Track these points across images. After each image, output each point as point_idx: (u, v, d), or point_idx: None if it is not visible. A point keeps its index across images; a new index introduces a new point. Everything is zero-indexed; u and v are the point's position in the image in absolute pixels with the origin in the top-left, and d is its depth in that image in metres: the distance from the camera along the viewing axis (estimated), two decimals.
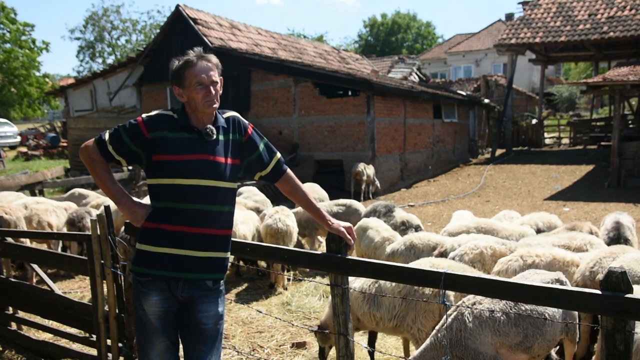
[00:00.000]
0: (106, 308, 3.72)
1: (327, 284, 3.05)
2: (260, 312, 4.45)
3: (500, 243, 4.80)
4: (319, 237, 7.83)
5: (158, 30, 21.01)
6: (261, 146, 2.66)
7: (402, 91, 16.08)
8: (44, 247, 7.01)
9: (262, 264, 7.49)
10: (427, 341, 3.32)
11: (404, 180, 16.66)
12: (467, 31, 59.23)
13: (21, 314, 4.88)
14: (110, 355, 3.78)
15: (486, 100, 24.14)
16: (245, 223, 6.83)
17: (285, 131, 16.05)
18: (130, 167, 13.05)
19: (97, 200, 9.08)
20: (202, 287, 2.52)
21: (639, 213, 10.39)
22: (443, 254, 4.95)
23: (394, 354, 4.50)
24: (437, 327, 3.31)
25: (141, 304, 2.50)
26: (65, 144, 25.42)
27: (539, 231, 6.05)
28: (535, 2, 21.65)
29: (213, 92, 2.47)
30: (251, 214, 7.29)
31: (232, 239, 2.70)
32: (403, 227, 6.72)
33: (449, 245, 5.08)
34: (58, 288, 4.65)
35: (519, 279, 3.57)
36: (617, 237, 5.37)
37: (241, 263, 7.07)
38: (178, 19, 17.20)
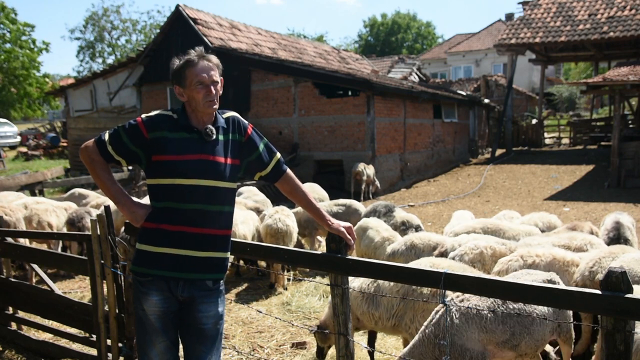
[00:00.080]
0: (106, 308, 3.72)
1: (327, 284, 3.05)
2: (260, 312, 4.45)
3: (500, 243, 4.80)
4: (318, 237, 7.83)
5: (158, 30, 21.02)
6: (261, 146, 2.66)
7: (402, 91, 16.08)
8: (44, 247, 7.01)
9: (262, 264, 7.50)
10: (416, 337, 3.34)
11: (404, 180, 16.66)
12: (467, 31, 59.31)
13: (21, 314, 4.88)
14: (110, 355, 3.78)
15: (486, 100, 24.14)
16: (245, 223, 6.82)
17: (285, 131, 16.05)
18: (130, 167, 13.05)
19: (97, 200, 9.08)
20: (202, 287, 2.52)
21: (639, 213, 10.39)
22: (443, 254, 4.95)
23: (394, 354, 4.49)
24: (425, 324, 3.34)
25: (141, 304, 2.51)
26: (65, 144, 25.43)
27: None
28: (535, 2, 21.65)
29: (213, 92, 2.47)
30: (251, 214, 7.29)
31: (232, 239, 2.70)
32: (403, 227, 6.72)
33: (449, 245, 5.08)
34: (58, 288, 4.66)
35: (510, 279, 3.56)
36: (617, 237, 5.37)
37: (241, 263, 7.07)
38: (178, 19, 17.21)
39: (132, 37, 49.63)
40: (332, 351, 4.36)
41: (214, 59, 2.53)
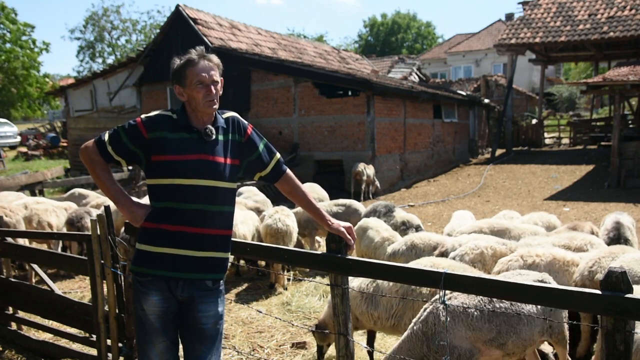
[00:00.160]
0: (106, 308, 3.72)
1: (327, 284, 3.05)
2: (260, 312, 4.44)
3: (500, 243, 4.80)
4: (317, 238, 7.83)
5: (158, 30, 21.01)
6: (261, 146, 2.66)
7: (402, 91, 16.08)
8: (44, 247, 7.01)
9: (262, 263, 7.49)
10: (405, 334, 3.36)
11: (404, 180, 16.66)
12: (467, 31, 59.30)
13: (21, 314, 4.88)
14: (110, 355, 3.78)
15: (486, 100, 24.14)
16: (245, 223, 6.83)
17: (285, 131, 16.05)
18: (130, 167, 13.05)
19: (97, 200, 9.08)
20: (202, 287, 2.52)
21: (639, 213, 10.39)
22: (444, 254, 4.95)
23: None
24: (414, 320, 3.37)
25: (141, 304, 2.51)
26: (65, 144, 25.43)
27: None
28: (535, 2, 21.65)
29: (214, 91, 2.47)
30: (251, 214, 7.29)
31: (232, 239, 2.70)
32: (403, 227, 6.72)
33: (449, 245, 5.08)
34: (58, 288, 4.66)
35: (503, 279, 3.56)
36: (617, 237, 5.37)
37: (241, 262, 7.07)
38: (178, 19, 17.21)
39: (132, 37, 49.70)
40: (332, 351, 4.36)
41: (214, 58, 2.54)
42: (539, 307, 3.29)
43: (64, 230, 7.23)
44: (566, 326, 3.54)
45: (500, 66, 38.03)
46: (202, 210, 2.46)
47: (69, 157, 21.95)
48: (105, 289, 3.71)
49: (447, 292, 3.23)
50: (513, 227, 5.78)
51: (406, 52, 53.96)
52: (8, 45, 34.66)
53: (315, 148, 15.60)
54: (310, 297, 6.13)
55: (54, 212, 7.46)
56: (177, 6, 17.16)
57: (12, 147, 29.02)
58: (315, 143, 15.61)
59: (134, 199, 2.62)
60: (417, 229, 6.70)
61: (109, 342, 3.76)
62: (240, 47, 17.31)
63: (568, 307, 2.51)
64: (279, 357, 4.60)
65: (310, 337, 4.82)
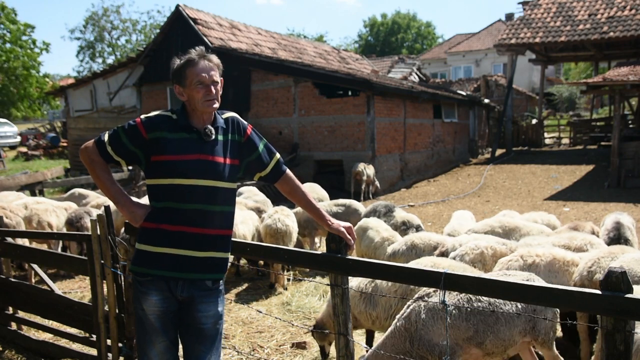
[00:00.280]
0: (106, 308, 3.72)
1: (327, 284, 3.05)
2: (260, 312, 4.45)
3: (500, 243, 4.80)
4: (315, 238, 7.83)
5: (158, 30, 21.01)
6: (261, 147, 2.67)
7: (402, 91, 16.08)
8: (44, 247, 7.01)
9: (262, 263, 7.49)
10: (389, 330, 3.40)
11: (404, 180, 16.66)
12: (467, 31, 59.31)
13: (21, 314, 4.88)
14: (110, 355, 3.78)
15: (486, 100, 24.14)
16: (244, 223, 6.83)
17: (285, 131, 16.05)
18: (130, 167, 13.06)
19: (98, 200, 9.08)
20: (202, 287, 2.52)
21: (639, 213, 10.39)
22: (444, 254, 4.95)
23: None
24: (397, 316, 3.41)
25: (141, 304, 2.51)
26: (65, 144, 25.43)
27: None
28: (535, 2, 21.65)
29: (213, 91, 2.48)
30: (251, 214, 7.29)
31: (232, 239, 2.71)
32: (404, 227, 6.72)
33: (449, 245, 5.09)
34: (58, 288, 4.66)
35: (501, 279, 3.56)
36: (617, 237, 5.37)
37: (242, 262, 7.07)
38: (178, 19, 17.21)
39: (132, 37, 49.72)
40: (332, 351, 4.36)
41: (214, 58, 2.54)
42: (519, 307, 3.27)
43: (64, 230, 7.23)
44: (554, 329, 3.47)
45: (500, 66, 38.03)
46: (202, 210, 2.46)
47: (69, 157, 21.96)
48: (105, 289, 3.71)
49: (429, 290, 3.30)
50: (523, 226, 5.82)
51: (406, 52, 53.97)
52: (8, 45, 34.67)
53: (315, 148, 15.60)
54: (310, 297, 6.13)
55: (54, 212, 7.46)
56: (177, 6, 17.16)
57: (12, 147, 29.02)
58: (315, 143, 15.61)
59: (134, 199, 2.62)
60: (418, 229, 6.70)
61: (109, 342, 3.76)
62: (240, 47, 17.31)
63: (568, 307, 2.52)
64: (279, 357, 4.60)
65: (311, 337, 4.82)
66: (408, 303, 3.40)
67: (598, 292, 2.07)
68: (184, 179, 2.44)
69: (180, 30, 17.04)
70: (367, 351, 4.24)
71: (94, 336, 3.90)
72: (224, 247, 2.58)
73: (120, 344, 3.69)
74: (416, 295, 3.44)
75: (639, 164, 14.12)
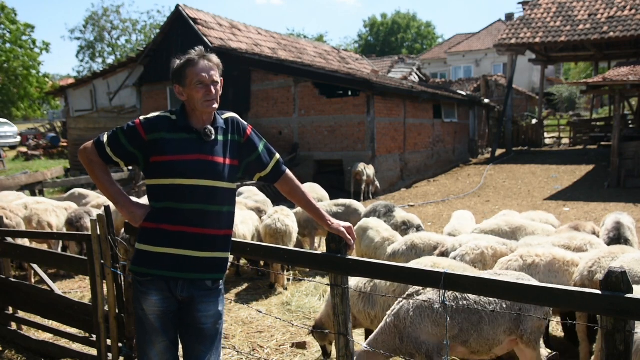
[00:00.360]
0: (106, 308, 3.72)
1: (327, 284, 3.05)
2: (260, 312, 4.45)
3: (501, 243, 4.80)
4: (315, 238, 7.82)
5: (158, 30, 21.02)
6: (260, 147, 2.67)
7: (402, 91, 16.08)
8: (44, 247, 7.01)
9: (262, 263, 7.49)
10: (379, 326, 3.44)
11: (404, 180, 16.65)
12: (467, 31, 59.30)
13: (21, 314, 4.88)
14: (110, 355, 3.78)
15: (486, 100, 24.14)
16: (244, 223, 6.82)
17: (285, 131, 16.04)
18: (130, 168, 13.05)
19: (98, 200, 9.09)
20: (202, 287, 2.52)
21: (639, 213, 10.39)
22: (444, 254, 4.95)
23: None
24: (388, 313, 3.46)
25: (141, 304, 2.51)
26: (65, 144, 25.43)
27: None
28: (535, 2, 21.65)
29: (213, 91, 2.48)
30: (251, 214, 7.29)
31: (232, 239, 2.71)
32: (404, 227, 6.72)
33: (450, 245, 5.09)
34: (58, 288, 4.66)
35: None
36: (617, 237, 5.37)
37: (242, 262, 7.07)
38: (178, 19, 17.21)
39: (132, 37, 49.73)
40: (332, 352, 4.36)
41: (214, 58, 2.54)
42: (504, 306, 3.27)
43: (64, 230, 7.23)
44: (541, 330, 3.44)
45: (500, 66, 38.03)
46: (201, 210, 2.46)
47: (69, 157, 21.96)
48: (105, 289, 3.71)
49: (419, 288, 3.35)
50: (528, 225, 5.84)
51: (406, 52, 53.97)
52: (8, 45, 34.66)
53: (315, 148, 15.60)
54: (310, 297, 6.13)
55: (54, 212, 7.46)
56: (177, 6, 17.16)
57: (12, 147, 29.02)
58: (315, 143, 15.61)
59: (134, 199, 2.63)
60: (418, 229, 6.70)
61: (109, 342, 3.76)
62: (240, 47, 17.31)
63: (568, 307, 2.52)
64: (279, 357, 4.60)
65: (311, 337, 4.82)
66: (399, 299, 3.44)
67: (598, 292, 2.07)
68: (183, 179, 2.44)
69: (180, 30, 17.05)
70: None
71: (94, 336, 3.90)
72: (224, 247, 2.58)
73: (120, 344, 3.69)
74: (407, 293, 3.48)
75: (639, 164, 14.12)
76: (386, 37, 59.43)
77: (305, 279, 6.43)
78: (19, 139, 30.00)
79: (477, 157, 22.26)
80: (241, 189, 9.81)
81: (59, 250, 7.25)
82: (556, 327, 5.08)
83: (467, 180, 16.84)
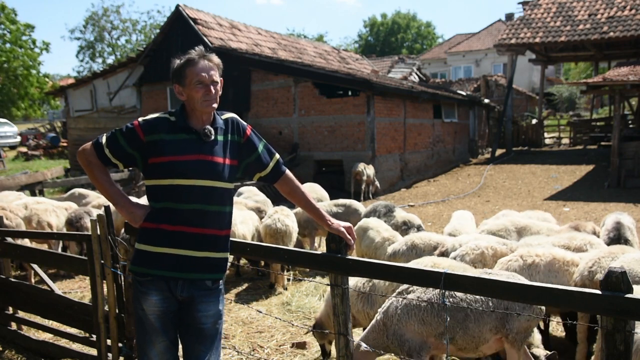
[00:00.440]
0: (106, 308, 3.72)
1: (327, 284, 3.05)
2: (260, 312, 4.45)
3: (501, 243, 4.80)
4: (315, 238, 7.82)
5: (158, 30, 21.01)
6: (260, 147, 2.67)
7: (402, 91, 16.08)
8: (44, 247, 7.01)
9: (262, 263, 7.49)
10: (371, 323, 3.50)
11: (404, 180, 16.65)
12: (467, 31, 59.30)
13: (21, 314, 4.88)
14: (110, 355, 3.78)
15: (486, 100, 24.14)
16: (244, 223, 6.82)
17: (285, 131, 16.04)
18: (130, 168, 13.04)
19: (98, 200, 9.08)
20: (202, 286, 2.52)
21: (639, 213, 10.39)
22: (444, 254, 4.96)
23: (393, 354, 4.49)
24: (379, 310, 3.52)
25: (140, 304, 2.51)
26: (65, 144, 25.43)
27: None
28: (535, 2, 21.65)
29: (213, 91, 2.48)
30: (250, 214, 7.28)
31: (232, 239, 2.71)
32: (405, 227, 6.72)
33: (450, 245, 5.09)
34: (58, 288, 4.66)
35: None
36: (617, 237, 5.37)
37: (242, 262, 7.07)
38: (178, 19, 17.21)
39: (132, 37, 49.73)
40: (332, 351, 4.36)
41: (214, 58, 2.54)
42: (490, 305, 3.27)
43: (64, 230, 7.23)
44: (528, 331, 3.42)
45: (500, 66, 38.03)
46: (200, 210, 2.47)
47: (69, 157, 21.96)
48: (105, 289, 3.71)
49: (407, 286, 3.40)
50: (533, 224, 5.85)
51: (406, 52, 53.97)
52: (8, 46, 34.66)
53: (315, 148, 15.60)
54: (310, 297, 6.13)
55: (54, 212, 7.46)
56: (177, 6, 17.16)
57: (12, 147, 29.02)
58: (315, 143, 15.61)
59: (133, 199, 2.63)
60: (419, 229, 6.70)
61: (109, 342, 3.76)
62: (240, 47, 17.31)
63: (568, 307, 2.52)
64: (279, 357, 4.60)
65: (310, 337, 4.82)
66: (389, 297, 3.49)
67: (598, 292, 2.07)
68: (183, 179, 2.44)
69: (180, 30, 17.05)
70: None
71: (94, 336, 3.90)
72: (223, 247, 2.58)
73: (120, 344, 3.68)
74: (397, 291, 3.52)
75: (639, 164, 14.12)
76: (386, 37, 59.43)
77: (305, 279, 6.43)
78: (19, 139, 29.99)
79: (477, 157, 22.26)
80: (241, 189, 9.81)
81: (59, 250, 7.25)
82: (556, 327, 5.08)
83: (467, 180, 16.84)
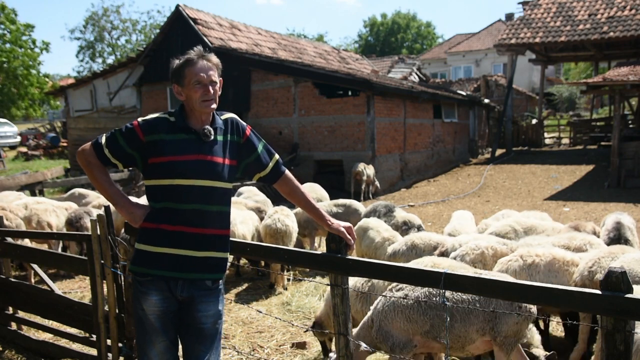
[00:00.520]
0: (106, 308, 3.72)
1: (327, 284, 3.05)
2: (260, 312, 4.45)
3: (501, 243, 4.80)
4: (315, 238, 7.82)
5: (158, 30, 21.01)
6: (260, 148, 2.67)
7: (402, 91, 16.08)
8: (44, 247, 7.01)
9: (262, 263, 7.49)
10: (363, 320, 3.57)
11: (404, 180, 16.65)
12: (467, 31, 59.29)
13: (21, 314, 4.88)
14: (110, 355, 3.78)
15: (486, 100, 24.13)
16: (244, 223, 6.82)
17: (285, 131, 16.04)
18: (130, 168, 13.04)
19: (98, 200, 9.08)
20: (202, 286, 2.53)
21: (639, 213, 10.39)
22: (444, 254, 4.95)
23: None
24: (371, 307, 3.58)
25: (140, 304, 2.51)
26: (65, 144, 25.43)
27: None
28: (535, 2, 21.65)
29: (211, 91, 2.48)
30: (250, 214, 7.28)
31: (232, 239, 2.71)
32: (405, 227, 6.71)
33: (449, 245, 5.09)
34: (58, 288, 4.66)
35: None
36: (617, 237, 5.37)
37: (242, 262, 7.07)
38: (178, 19, 17.21)
39: (132, 37, 49.72)
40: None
41: (213, 59, 2.54)
42: (478, 306, 3.27)
43: (64, 230, 7.23)
44: (518, 335, 3.39)
45: (500, 66, 38.02)
46: (200, 210, 2.47)
47: (69, 157, 21.96)
48: (105, 289, 3.71)
49: (401, 284, 3.43)
50: (538, 225, 5.86)
51: (406, 52, 53.96)
52: (8, 46, 34.65)
53: (315, 148, 15.60)
54: (310, 297, 6.13)
55: (53, 212, 7.46)
56: (177, 6, 17.16)
57: (12, 147, 29.01)
58: (315, 143, 15.61)
59: (133, 199, 2.63)
60: (419, 229, 6.70)
61: (109, 342, 3.76)
62: (240, 47, 17.31)
63: (568, 307, 2.52)
64: (279, 357, 4.60)
65: (310, 337, 4.82)
66: (384, 293, 3.55)
67: (598, 292, 2.07)
68: (183, 179, 2.44)
69: (180, 30, 17.04)
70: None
71: (94, 336, 3.90)
72: (223, 247, 2.58)
73: (120, 344, 3.68)
74: (389, 287, 3.58)
75: (639, 164, 14.12)
76: (386, 37, 59.42)
77: (305, 279, 6.43)
78: (19, 139, 29.98)
79: (477, 157, 22.26)
80: (241, 189, 9.80)
81: (59, 250, 7.25)
82: (556, 327, 5.08)
83: (467, 180, 16.84)
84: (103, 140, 2.52)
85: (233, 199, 2.52)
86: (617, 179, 14.17)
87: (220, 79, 2.57)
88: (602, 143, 20.55)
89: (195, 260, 2.49)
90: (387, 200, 11.73)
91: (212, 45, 15.66)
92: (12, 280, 4.67)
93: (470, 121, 22.42)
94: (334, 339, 3.36)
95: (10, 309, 4.83)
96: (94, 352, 4.03)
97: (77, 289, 6.84)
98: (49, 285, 4.51)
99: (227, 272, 2.72)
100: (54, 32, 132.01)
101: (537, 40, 19.99)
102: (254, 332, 5.16)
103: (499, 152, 21.30)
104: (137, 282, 2.53)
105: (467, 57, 41.09)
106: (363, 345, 3.36)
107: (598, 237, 5.40)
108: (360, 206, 8.14)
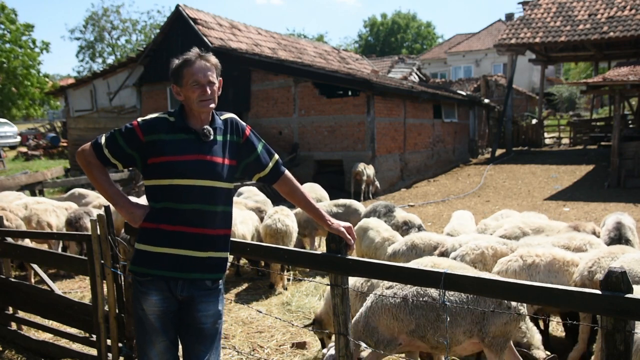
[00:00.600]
0: (106, 308, 3.72)
1: (327, 284, 3.05)
2: (260, 312, 4.45)
3: (501, 243, 4.80)
4: (315, 238, 7.82)
5: (158, 30, 21.02)
6: (259, 148, 2.67)
7: (402, 91, 16.08)
8: (44, 247, 7.01)
9: (262, 263, 7.49)
10: (354, 317, 3.61)
11: (404, 180, 16.65)
12: (467, 31, 59.29)
13: (21, 314, 4.88)
14: (110, 355, 3.78)
15: (486, 100, 24.14)
16: (244, 223, 6.82)
17: (285, 131, 16.04)
18: (129, 168, 13.03)
19: (98, 200, 9.08)
20: (202, 286, 2.53)
21: (639, 213, 10.39)
22: (444, 254, 4.95)
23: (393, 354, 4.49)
24: (365, 304, 3.63)
25: (140, 304, 2.51)
26: (65, 144, 25.44)
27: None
28: (535, 2, 21.65)
29: (209, 92, 2.48)
30: (250, 214, 7.28)
31: (231, 239, 2.71)
32: (405, 227, 6.71)
33: (450, 245, 5.09)
34: (58, 288, 4.66)
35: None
36: (618, 237, 5.36)
37: (242, 262, 7.07)
38: (178, 19, 17.21)
39: (132, 37, 49.72)
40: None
41: (212, 59, 2.54)
42: (465, 307, 3.26)
43: (64, 230, 7.23)
44: (507, 336, 3.38)
45: (500, 66, 38.02)
46: (199, 210, 2.47)
47: (69, 157, 21.96)
48: (105, 289, 3.71)
49: (387, 282, 3.49)
50: (546, 225, 5.86)
51: (406, 52, 53.96)
52: (8, 45, 34.64)
53: (315, 148, 15.60)
54: (310, 297, 6.13)
55: (53, 212, 7.46)
56: (177, 6, 17.16)
57: (12, 147, 29.01)
58: (315, 143, 15.61)
59: (133, 199, 2.63)
60: (419, 229, 6.70)
61: (109, 342, 3.76)
62: (240, 47, 17.31)
63: (568, 307, 2.52)
64: (279, 357, 4.60)
65: (310, 337, 4.82)
66: (371, 294, 3.60)
67: (598, 292, 2.06)
68: (182, 179, 2.44)
69: (180, 30, 17.04)
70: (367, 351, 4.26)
71: (94, 336, 3.90)
72: (223, 247, 2.58)
73: (120, 344, 3.69)
74: (382, 284, 3.62)
75: (639, 164, 14.12)
76: (386, 37, 59.42)
77: (305, 279, 6.43)
78: (19, 139, 29.99)
79: (477, 157, 22.26)
80: (241, 189, 9.80)
81: (59, 250, 7.25)
82: (556, 327, 5.08)
83: (467, 180, 16.84)
84: (103, 140, 2.52)
85: (233, 199, 2.52)
86: (617, 179, 14.18)
87: (220, 79, 2.57)
88: (602, 143, 20.55)
89: (195, 260, 2.49)
90: (387, 200, 11.73)
91: (212, 45, 15.66)
92: (12, 280, 4.67)
93: (470, 121, 22.43)
94: (333, 338, 3.36)
95: (10, 309, 4.83)
96: (94, 352, 4.03)
97: (77, 289, 6.84)
98: (49, 285, 4.51)
99: (227, 272, 2.72)
100: (54, 32, 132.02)
101: (537, 40, 19.99)
102: (254, 332, 5.16)
103: (499, 152, 21.30)
104: (137, 282, 2.53)
105: (467, 57, 41.09)
106: (363, 346, 3.36)
107: (598, 237, 5.40)
108: (360, 206, 8.14)
